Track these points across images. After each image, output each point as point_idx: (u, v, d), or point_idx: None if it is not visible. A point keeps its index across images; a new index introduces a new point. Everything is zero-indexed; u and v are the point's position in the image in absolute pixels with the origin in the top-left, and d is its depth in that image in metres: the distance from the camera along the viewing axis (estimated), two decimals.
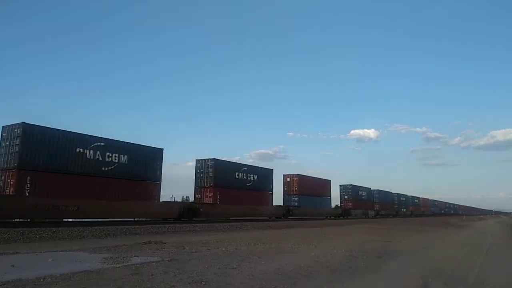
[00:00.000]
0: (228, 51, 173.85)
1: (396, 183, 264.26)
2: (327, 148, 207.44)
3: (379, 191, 66.36)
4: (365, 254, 10.19)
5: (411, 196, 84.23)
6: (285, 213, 38.78)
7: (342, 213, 51.99)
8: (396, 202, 73.87)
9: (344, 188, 57.16)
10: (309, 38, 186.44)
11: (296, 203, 41.80)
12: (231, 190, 32.17)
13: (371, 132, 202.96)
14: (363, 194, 60.65)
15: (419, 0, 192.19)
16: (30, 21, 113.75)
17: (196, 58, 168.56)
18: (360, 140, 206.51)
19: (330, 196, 50.85)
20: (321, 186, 48.26)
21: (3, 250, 9.42)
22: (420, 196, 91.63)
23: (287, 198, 42.68)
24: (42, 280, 5.51)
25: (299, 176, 43.85)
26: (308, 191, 43.97)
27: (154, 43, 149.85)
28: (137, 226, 19.49)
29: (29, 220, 19.11)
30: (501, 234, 25.77)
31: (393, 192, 73.52)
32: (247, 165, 36.98)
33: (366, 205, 59.99)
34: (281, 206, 40.08)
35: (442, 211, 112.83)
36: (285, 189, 43.23)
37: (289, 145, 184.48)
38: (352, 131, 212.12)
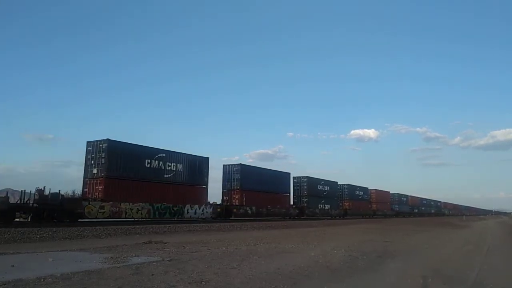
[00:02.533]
0: (229, 52, 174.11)
1: (396, 183, 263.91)
2: (327, 148, 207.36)
3: (243, 167, 33.55)
4: (365, 254, 10.19)
5: (347, 185, 54.44)
6: None
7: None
8: (304, 193, 43.37)
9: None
10: (310, 39, 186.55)
11: None
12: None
13: (371, 132, 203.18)
14: (175, 167, 26.78)
15: (419, 1, 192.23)
16: (30, 22, 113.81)
17: (195, 59, 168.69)
18: (360, 140, 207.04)
19: None
20: None
21: (4, 250, 9.43)
22: (371, 188, 62.20)
23: None
24: (42, 280, 5.52)
25: None
26: None
27: (154, 44, 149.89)
28: (138, 226, 19.50)
29: (29, 220, 19.11)
30: (502, 235, 25.73)
31: (300, 175, 44.20)
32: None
33: (176, 195, 27.02)
34: None
35: (415, 210, 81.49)
36: None
37: (289, 145, 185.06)
38: (352, 131, 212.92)
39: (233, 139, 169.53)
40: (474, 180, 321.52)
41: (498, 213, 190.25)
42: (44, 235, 14.77)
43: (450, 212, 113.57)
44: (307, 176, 44.75)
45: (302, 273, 7.15)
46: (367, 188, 60.97)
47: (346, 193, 54.27)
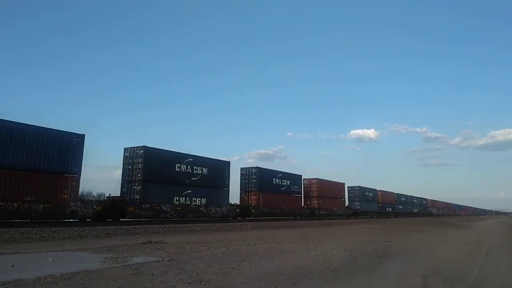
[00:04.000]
0: (228, 52, 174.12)
1: (396, 183, 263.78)
2: (327, 148, 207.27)
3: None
4: (365, 254, 10.19)
5: (255, 168, 35.56)
6: None
7: None
8: (138, 177, 23.80)
9: None
10: (309, 38, 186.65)
11: None
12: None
13: (371, 132, 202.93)
14: None
15: (419, 1, 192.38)
16: (29, 22, 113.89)
17: (195, 59, 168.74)
18: (360, 140, 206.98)
19: None
20: None
21: (4, 250, 9.43)
22: (310, 177, 44.46)
23: None
24: (42, 280, 5.51)
25: None
26: None
27: (154, 44, 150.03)
28: (137, 226, 19.49)
29: (29, 220, 19.10)
30: (502, 235, 25.72)
31: (136, 145, 24.32)
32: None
33: None
34: None
35: (388, 209, 64.17)
36: None
37: (289, 145, 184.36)
38: (352, 131, 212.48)
39: (233, 139, 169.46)
40: (474, 180, 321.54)
41: (498, 213, 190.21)
42: (44, 235, 14.76)
43: (440, 211, 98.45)
44: (144, 146, 24.35)
45: (302, 273, 7.15)
46: (300, 176, 42.17)
47: (254, 181, 34.99)
